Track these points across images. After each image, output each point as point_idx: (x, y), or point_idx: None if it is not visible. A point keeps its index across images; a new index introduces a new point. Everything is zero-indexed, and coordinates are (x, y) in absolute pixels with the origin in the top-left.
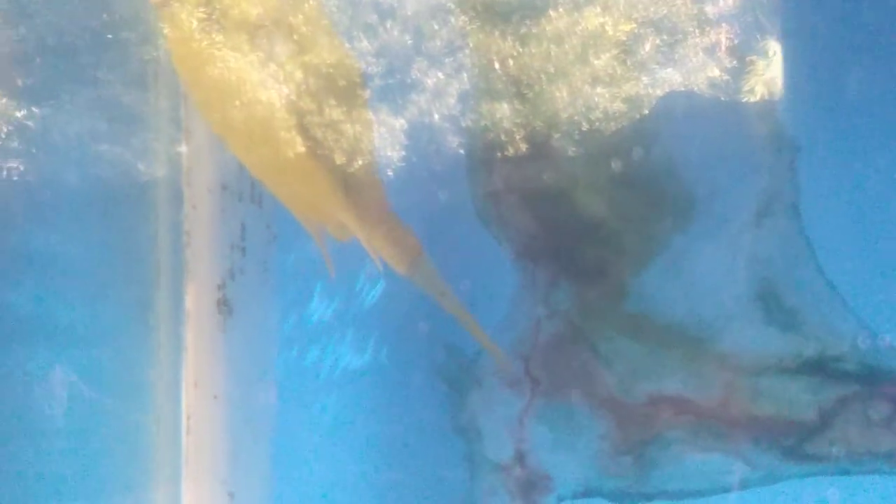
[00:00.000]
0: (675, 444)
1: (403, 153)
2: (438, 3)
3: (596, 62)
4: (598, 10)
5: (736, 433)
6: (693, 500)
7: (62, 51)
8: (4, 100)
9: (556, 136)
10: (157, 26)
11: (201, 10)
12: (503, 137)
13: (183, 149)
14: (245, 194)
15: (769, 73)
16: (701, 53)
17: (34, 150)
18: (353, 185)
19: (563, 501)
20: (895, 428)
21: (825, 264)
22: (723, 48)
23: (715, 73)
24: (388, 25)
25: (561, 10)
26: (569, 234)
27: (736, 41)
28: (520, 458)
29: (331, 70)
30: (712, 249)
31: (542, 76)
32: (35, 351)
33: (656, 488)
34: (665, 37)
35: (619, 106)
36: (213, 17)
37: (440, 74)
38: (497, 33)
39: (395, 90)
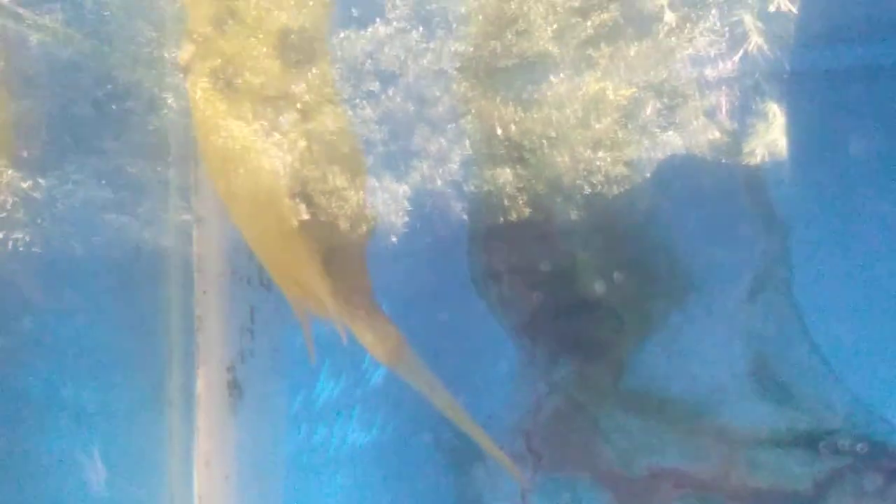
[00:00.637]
0: None
1: (406, 219)
2: (440, 69)
3: (597, 126)
4: (599, 74)
5: None
6: None
7: (67, 121)
8: (10, 171)
9: (559, 200)
10: (161, 97)
11: (205, 79)
12: (506, 202)
13: (188, 217)
14: (254, 279)
15: (770, 136)
16: (702, 116)
17: (39, 221)
18: (338, 268)
19: None
20: (889, 498)
21: (818, 340)
22: (723, 111)
23: (716, 135)
24: (391, 92)
25: (562, 75)
26: (568, 311)
27: (736, 104)
28: None
29: (334, 137)
30: (708, 326)
31: (544, 141)
32: (49, 433)
33: None
34: (665, 100)
35: (620, 170)
36: (217, 86)
37: (443, 140)
38: (499, 99)
39: (398, 156)
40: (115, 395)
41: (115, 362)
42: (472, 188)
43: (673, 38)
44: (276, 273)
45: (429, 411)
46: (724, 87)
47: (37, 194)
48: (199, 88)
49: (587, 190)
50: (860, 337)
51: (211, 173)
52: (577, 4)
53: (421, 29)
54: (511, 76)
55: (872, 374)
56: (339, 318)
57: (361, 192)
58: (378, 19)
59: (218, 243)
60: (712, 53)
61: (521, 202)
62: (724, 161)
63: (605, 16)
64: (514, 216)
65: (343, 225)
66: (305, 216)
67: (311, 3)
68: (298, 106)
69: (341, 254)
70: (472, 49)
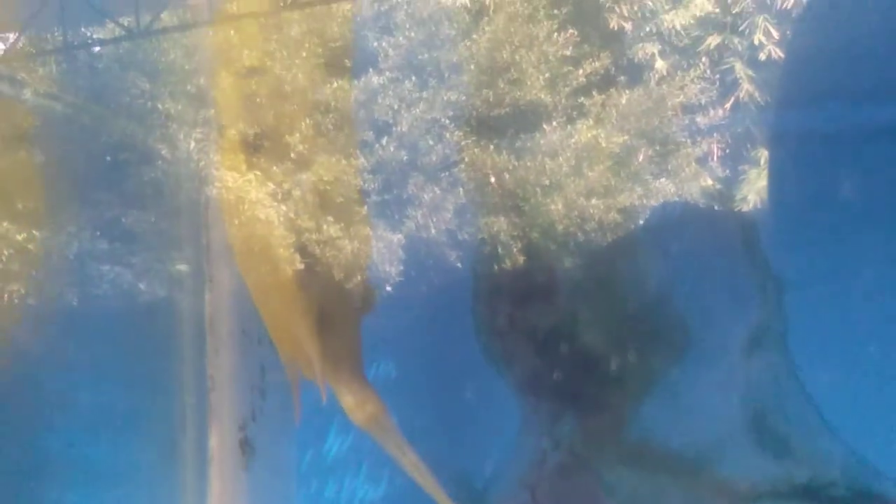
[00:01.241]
0: None
1: (401, 268)
2: (433, 118)
3: (590, 174)
4: (591, 122)
5: None
6: None
7: (61, 174)
8: (5, 223)
9: (553, 247)
10: (155, 148)
11: (199, 130)
12: (500, 250)
13: (182, 267)
14: (264, 338)
15: (761, 182)
16: (694, 163)
17: (35, 273)
18: (330, 330)
19: None
20: None
21: (814, 394)
22: (715, 158)
23: (708, 182)
24: (384, 142)
25: (554, 123)
26: (570, 368)
27: (728, 151)
28: None
29: (328, 187)
30: (707, 380)
31: (538, 189)
32: (67, 490)
33: None
34: (658, 147)
35: (613, 217)
36: (211, 137)
37: (436, 189)
38: (492, 147)
39: (392, 205)
40: (131, 452)
41: (130, 422)
42: (467, 236)
43: (664, 86)
44: (272, 327)
45: (434, 467)
46: (715, 135)
47: (31, 246)
48: (193, 140)
49: (581, 237)
50: (855, 391)
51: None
52: (568, 53)
53: (413, 78)
54: (504, 125)
55: (867, 427)
56: (323, 379)
57: (356, 242)
58: (371, 69)
59: (229, 303)
60: (703, 101)
61: (515, 250)
62: (716, 208)
63: (596, 64)
64: (508, 264)
65: (338, 274)
66: (300, 266)
67: (304, 53)
68: (292, 156)
69: (336, 316)
70: (464, 98)
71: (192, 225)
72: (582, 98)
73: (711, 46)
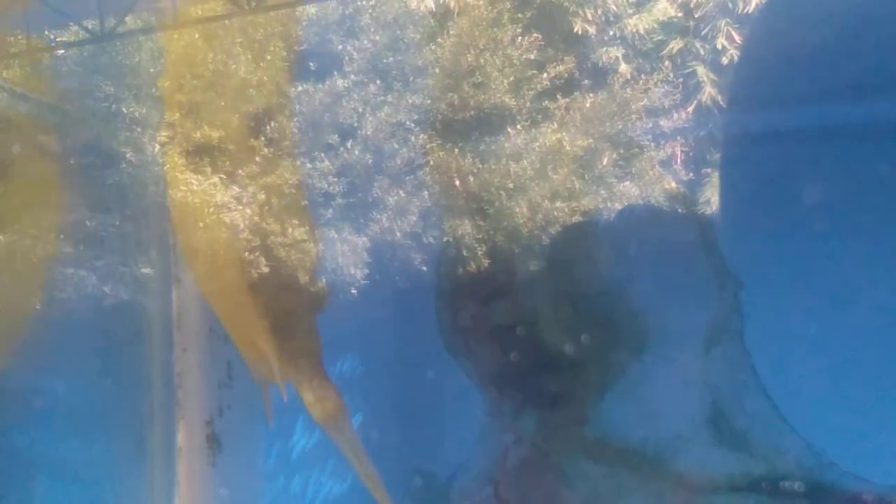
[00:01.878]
0: None
1: (367, 271)
2: (398, 122)
3: (554, 177)
4: (555, 125)
5: None
6: None
7: (24, 176)
8: None
9: (517, 250)
10: (120, 151)
11: (164, 133)
12: (465, 253)
13: (147, 270)
14: (231, 336)
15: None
16: (657, 166)
17: None
18: (287, 330)
19: None
20: None
21: (770, 389)
22: (678, 161)
23: (671, 185)
24: (349, 145)
25: (519, 126)
26: (532, 364)
27: (691, 154)
28: None
29: (293, 190)
30: (666, 376)
31: (502, 192)
32: (36, 488)
33: None
34: (622, 151)
35: (577, 219)
36: (176, 139)
37: (401, 192)
38: (457, 151)
39: (357, 208)
40: (99, 450)
41: (99, 420)
42: (432, 239)
43: (628, 90)
44: (234, 333)
45: (399, 462)
46: (678, 138)
47: None
48: (158, 142)
49: (545, 240)
50: (811, 385)
51: (176, 228)
52: (532, 57)
53: (378, 82)
54: (468, 128)
55: (822, 420)
56: (283, 378)
57: (321, 245)
58: (335, 72)
59: (196, 303)
60: (667, 104)
61: (480, 253)
62: (679, 211)
63: (560, 68)
64: (473, 267)
65: (303, 277)
66: (265, 269)
67: (268, 56)
68: (257, 159)
69: (291, 316)
70: (429, 101)
71: (157, 227)
72: (546, 101)
73: (674, 50)
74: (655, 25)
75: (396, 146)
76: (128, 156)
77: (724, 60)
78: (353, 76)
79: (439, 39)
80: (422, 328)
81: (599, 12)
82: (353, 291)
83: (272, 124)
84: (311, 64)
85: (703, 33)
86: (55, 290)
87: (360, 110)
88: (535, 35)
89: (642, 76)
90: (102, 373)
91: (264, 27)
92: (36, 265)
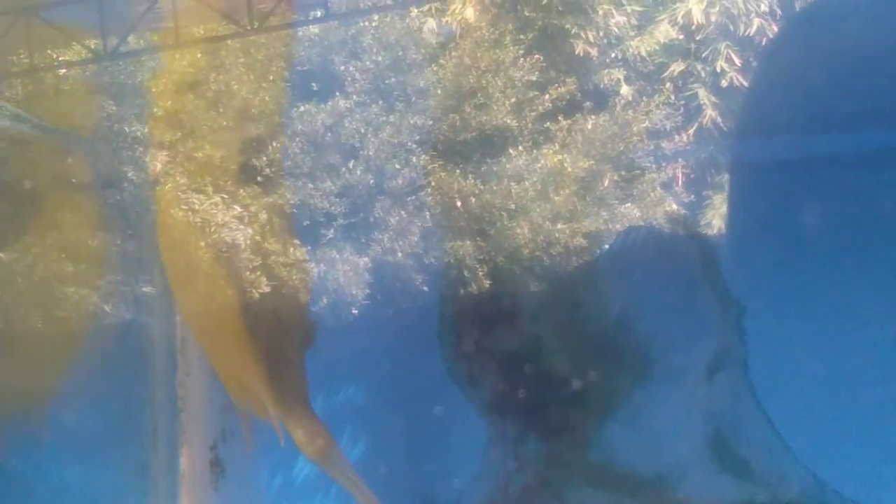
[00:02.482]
0: None
1: (367, 291)
2: (400, 142)
3: (555, 198)
4: (557, 147)
5: None
6: None
7: (26, 195)
8: None
9: (519, 271)
10: (121, 170)
11: (164, 153)
12: (466, 274)
13: (148, 289)
14: (216, 370)
15: (726, 207)
16: (658, 188)
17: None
18: (278, 372)
19: None
20: None
21: (773, 416)
22: (680, 183)
23: (672, 207)
24: (351, 165)
25: (520, 148)
26: (535, 391)
27: (692, 176)
28: None
29: (294, 210)
30: (669, 403)
31: (503, 213)
32: None
33: None
34: (623, 172)
35: (579, 241)
36: (178, 159)
37: (403, 213)
38: (458, 172)
39: (359, 229)
40: (101, 474)
41: (100, 443)
42: (433, 260)
43: (629, 112)
44: (221, 372)
45: (402, 488)
46: (680, 160)
47: None
48: (159, 162)
49: (546, 262)
50: (814, 413)
51: (167, 250)
52: (534, 78)
53: (380, 102)
54: (470, 149)
55: (825, 448)
56: (277, 418)
57: (322, 265)
58: (338, 93)
59: None
60: (668, 126)
61: (481, 274)
62: (681, 233)
63: (562, 90)
64: (474, 288)
65: (304, 297)
66: (266, 289)
67: (270, 77)
68: (259, 179)
69: (282, 356)
70: (431, 122)
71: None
72: (548, 123)
73: (676, 73)
74: (657, 48)
75: (398, 167)
76: (129, 175)
77: (724, 83)
78: (355, 97)
79: (441, 60)
80: (423, 351)
81: (601, 34)
82: (354, 311)
83: (274, 144)
84: (313, 84)
85: (704, 56)
86: (56, 310)
87: (362, 131)
88: (536, 56)
89: (644, 98)
90: (105, 396)
91: (266, 47)
92: (37, 283)
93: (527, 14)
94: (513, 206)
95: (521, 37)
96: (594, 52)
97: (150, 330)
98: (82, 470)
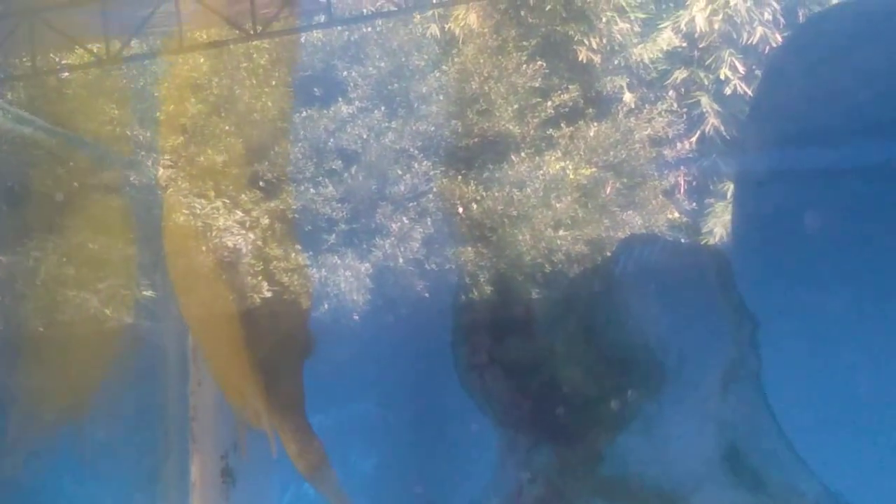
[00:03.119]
0: None
1: (369, 297)
2: (402, 148)
3: (558, 205)
4: (559, 154)
5: None
6: None
7: (27, 198)
8: None
9: (520, 278)
10: (124, 174)
11: (167, 157)
12: (468, 280)
13: (150, 293)
14: (216, 381)
15: (728, 215)
16: (661, 196)
17: (1, 298)
18: (276, 383)
19: None
20: None
21: (787, 429)
22: (682, 191)
23: (675, 215)
24: (353, 171)
25: (523, 154)
26: (548, 402)
27: (695, 184)
28: None
29: (297, 215)
30: (682, 415)
31: (505, 220)
32: None
33: None
34: (625, 180)
35: (581, 248)
36: (180, 164)
37: (405, 219)
38: (460, 178)
39: (361, 235)
40: (112, 483)
41: (112, 452)
42: (434, 266)
43: (632, 119)
44: (221, 381)
45: (412, 498)
46: (682, 167)
47: None
48: (162, 166)
49: (548, 268)
50: (828, 426)
51: (171, 255)
52: (537, 85)
53: (383, 108)
54: (472, 155)
55: (839, 461)
56: (272, 429)
57: (324, 270)
58: (340, 99)
59: None
60: (670, 134)
61: (482, 280)
62: (684, 241)
63: (565, 96)
64: (475, 294)
65: (306, 303)
66: (267, 294)
67: (273, 82)
68: (261, 184)
69: (281, 366)
70: (433, 128)
71: (161, 251)
72: (550, 130)
73: (678, 80)
74: (660, 55)
75: (400, 172)
76: (132, 178)
77: (728, 91)
78: (357, 102)
79: (444, 67)
80: (426, 359)
81: (604, 41)
82: (355, 317)
83: (276, 149)
84: (315, 90)
85: (707, 63)
86: (56, 313)
87: (365, 136)
88: (539, 63)
89: (646, 106)
90: (117, 404)
91: (269, 53)
92: (38, 287)
93: (530, 21)
94: (515, 213)
95: (524, 43)
96: (597, 59)
97: (162, 339)
98: (93, 479)
